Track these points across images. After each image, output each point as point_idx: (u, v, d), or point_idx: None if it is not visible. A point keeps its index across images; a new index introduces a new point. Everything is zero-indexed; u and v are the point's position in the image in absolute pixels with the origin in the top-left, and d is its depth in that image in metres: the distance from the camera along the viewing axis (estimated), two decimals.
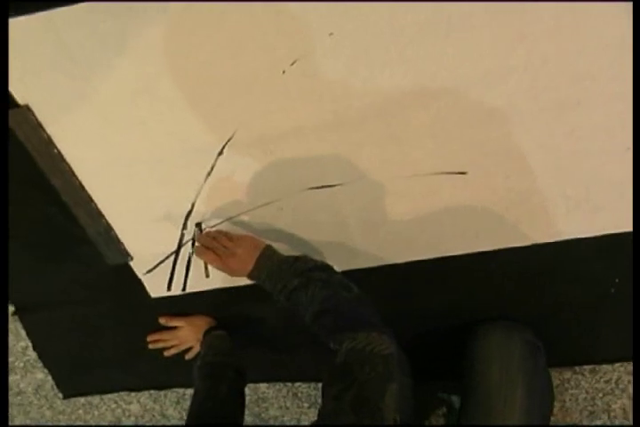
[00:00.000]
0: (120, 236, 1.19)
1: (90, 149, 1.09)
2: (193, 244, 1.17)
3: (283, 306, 0.96)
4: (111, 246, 1.20)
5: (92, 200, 1.15)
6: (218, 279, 1.23)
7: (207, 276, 1.15)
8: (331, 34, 0.92)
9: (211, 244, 1.03)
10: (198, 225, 1.14)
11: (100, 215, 1.16)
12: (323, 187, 1.07)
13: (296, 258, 0.99)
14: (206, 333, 1.26)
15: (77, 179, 1.12)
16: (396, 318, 0.82)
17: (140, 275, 1.25)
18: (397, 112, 0.97)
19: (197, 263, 1.18)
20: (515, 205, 1.04)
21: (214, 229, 1.14)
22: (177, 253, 1.19)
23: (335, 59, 0.94)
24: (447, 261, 1.12)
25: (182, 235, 1.16)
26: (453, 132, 0.98)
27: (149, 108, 1.02)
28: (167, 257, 1.20)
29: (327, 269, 0.98)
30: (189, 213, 1.13)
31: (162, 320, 1.32)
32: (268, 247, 1.02)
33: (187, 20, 0.93)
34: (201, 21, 0.93)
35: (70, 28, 0.95)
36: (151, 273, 1.23)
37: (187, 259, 1.19)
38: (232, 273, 1.01)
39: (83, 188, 1.13)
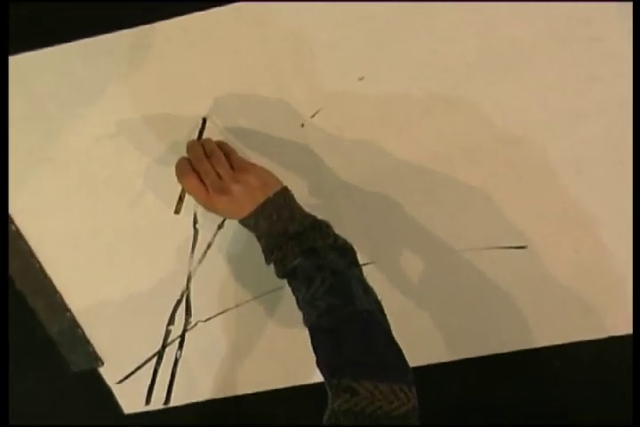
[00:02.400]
0: (88, 334, 0.99)
1: (54, 223, 0.91)
2: (181, 344, 0.97)
3: None
4: (77, 348, 0.99)
5: (54, 288, 0.95)
6: (207, 390, 1.02)
7: (176, 212, 0.78)
8: (361, 78, 0.78)
9: (200, 165, 0.71)
10: (204, 121, 0.81)
11: (64, 309, 0.96)
12: None
13: (314, 222, 0.72)
14: None
15: (38, 261, 0.93)
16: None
17: (111, 384, 1.03)
18: (442, 171, 0.83)
19: (185, 368, 0.98)
20: (586, 285, 0.87)
21: (206, 322, 0.94)
22: (160, 355, 0.98)
23: (365, 107, 0.80)
24: (500, 358, 0.93)
25: (167, 332, 0.96)
26: (511, 194, 0.83)
27: (131, 167, 0.86)
28: (147, 361, 0.99)
29: (348, 253, 0.72)
30: (178, 303, 0.94)
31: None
32: (281, 193, 0.72)
33: (185, 63, 0.79)
34: (202, 62, 0.79)
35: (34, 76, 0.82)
36: (126, 382, 1.01)
37: (172, 363, 0.98)
38: (217, 212, 0.73)
39: (44, 273, 0.94)
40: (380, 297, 0.72)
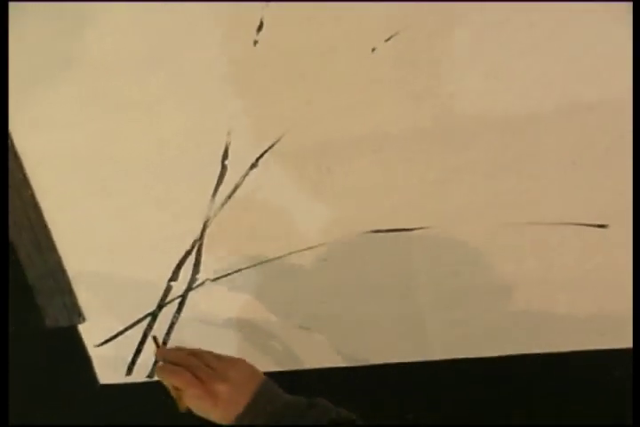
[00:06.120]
0: (73, 282, 0.88)
1: (57, 143, 0.81)
2: (180, 306, 0.86)
3: None
4: (57, 298, 0.88)
5: (43, 222, 0.85)
6: None
7: (183, 409, 0.70)
8: None
9: (186, 360, 0.70)
10: (154, 339, 0.77)
11: (52, 248, 0.86)
12: (393, 230, 0.80)
13: (310, 404, 0.68)
14: None
15: (30, 188, 0.83)
16: None
17: (89, 347, 0.91)
18: (524, 128, 0.74)
19: (180, 335, 0.87)
20: None
21: (215, 281, 0.84)
22: (154, 316, 0.87)
23: (454, 37, 0.71)
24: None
25: (168, 288, 0.85)
26: (600, 161, 0.74)
27: (156, 85, 0.77)
28: (137, 322, 0.88)
29: (355, 425, 0.68)
30: (187, 254, 0.83)
31: None
32: (268, 383, 0.71)
33: None
34: None
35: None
36: (107, 345, 0.90)
37: (166, 328, 0.88)
38: (215, 409, 0.67)
39: (35, 204, 0.84)
40: None
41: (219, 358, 0.71)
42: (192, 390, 0.66)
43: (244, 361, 0.72)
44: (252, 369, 0.71)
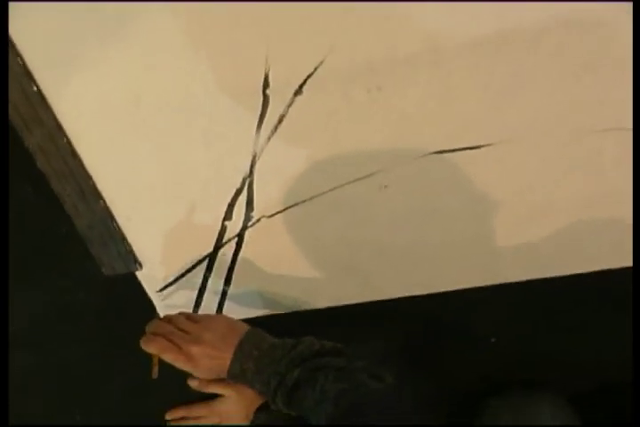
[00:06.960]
0: (124, 230, 0.85)
1: (88, 86, 0.76)
2: (239, 245, 0.83)
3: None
4: (110, 247, 0.86)
5: (84, 171, 0.81)
6: (268, 304, 0.89)
7: (154, 376, 0.79)
8: None
9: (162, 328, 0.73)
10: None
11: (97, 196, 0.82)
12: (458, 150, 0.73)
13: (296, 342, 0.71)
14: (261, 408, 0.88)
15: (65, 135, 0.79)
16: None
17: (150, 293, 0.90)
18: (595, 27, 0.65)
19: (242, 275, 0.85)
20: None
21: (272, 218, 0.80)
22: (212, 258, 0.84)
23: None
24: None
25: (223, 228, 0.82)
26: None
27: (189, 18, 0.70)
28: (195, 265, 0.86)
29: (343, 353, 0.71)
30: (238, 192, 0.79)
31: (193, 383, 0.94)
32: (253, 332, 0.73)
33: None
34: None
35: None
36: (169, 290, 0.88)
37: (226, 268, 0.85)
38: (197, 369, 0.71)
39: (72, 151, 0.80)
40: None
41: (195, 320, 0.74)
42: (167, 355, 0.71)
43: (221, 318, 0.76)
44: (229, 324, 0.74)
